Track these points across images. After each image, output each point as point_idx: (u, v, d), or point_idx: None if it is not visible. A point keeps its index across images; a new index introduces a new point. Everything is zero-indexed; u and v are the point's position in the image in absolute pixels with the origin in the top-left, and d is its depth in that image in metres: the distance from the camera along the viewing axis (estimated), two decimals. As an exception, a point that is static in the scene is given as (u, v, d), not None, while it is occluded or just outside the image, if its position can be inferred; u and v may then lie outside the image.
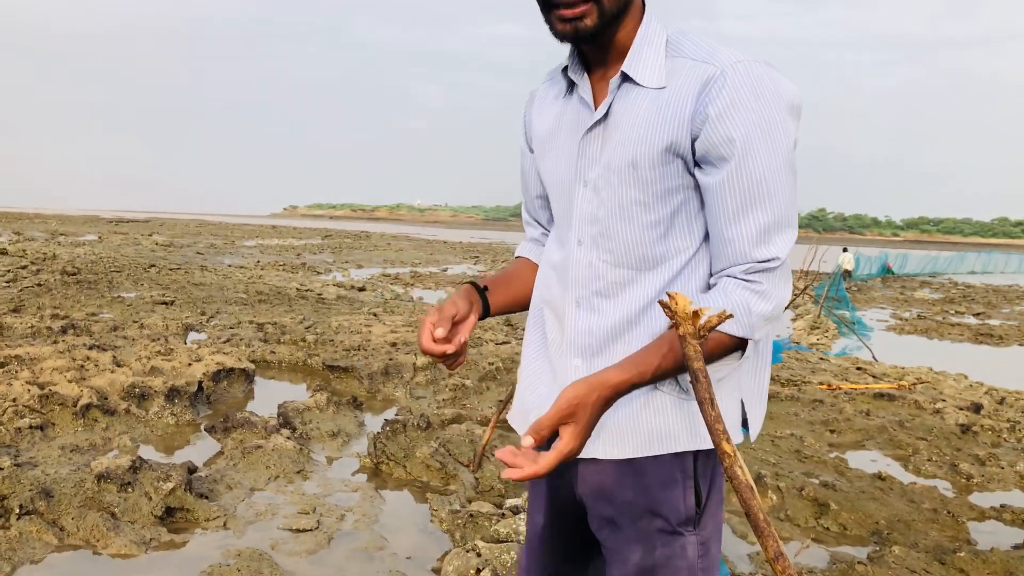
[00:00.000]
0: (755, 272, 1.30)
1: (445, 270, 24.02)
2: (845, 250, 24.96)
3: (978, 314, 17.64)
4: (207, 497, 3.99)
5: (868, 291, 23.45)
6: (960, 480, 5.17)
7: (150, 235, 33.94)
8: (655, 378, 1.26)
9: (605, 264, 1.39)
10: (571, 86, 1.45)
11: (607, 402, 1.22)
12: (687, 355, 1.21)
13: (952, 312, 17.77)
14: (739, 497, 1.20)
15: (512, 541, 3.46)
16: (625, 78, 1.34)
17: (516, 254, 1.74)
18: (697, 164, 1.32)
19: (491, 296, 1.57)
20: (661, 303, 1.15)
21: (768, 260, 1.29)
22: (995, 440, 6.14)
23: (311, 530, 3.77)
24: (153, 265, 17.66)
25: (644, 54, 1.34)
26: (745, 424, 1.43)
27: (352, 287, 15.61)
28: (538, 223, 1.70)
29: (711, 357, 1.29)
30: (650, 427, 1.36)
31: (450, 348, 1.41)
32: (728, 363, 1.34)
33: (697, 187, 1.34)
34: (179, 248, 26.22)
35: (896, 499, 4.52)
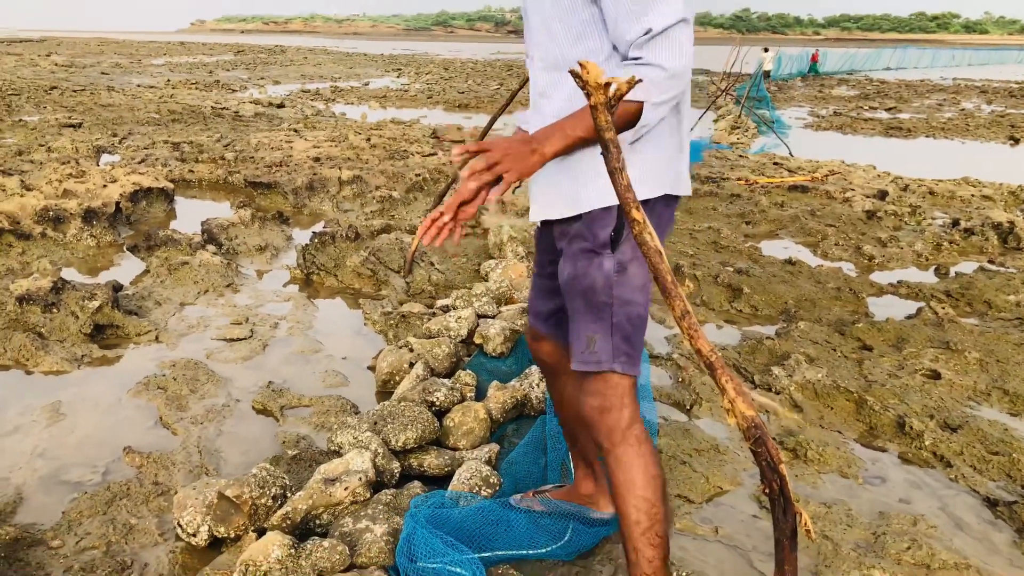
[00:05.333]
0: (637, 49, 1.54)
1: (367, 84, 23.17)
2: (766, 50, 24.81)
3: (890, 109, 18.03)
4: (136, 314, 4.00)
5: (788, 90, 23.61)
6: (863, 261, 5.49)
7: (48, 55, 31.64)
8: (577, 144, 1.60)
9: (542, 71, 1.78)
10: None
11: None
12: (598, 125, 1.23)
13: (866, 108, 18.11)
14: (648, 261, 1.28)
15: (443, 336, 3.60)
16: None
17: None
18: None
19: None
20: (572, 72, 1.17)
21: (644, 33, 1.52)
22: (897, 224, 6.48)
23: (245, 339, 3.84)
24: (55, 87, 16.61)
25: None
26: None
27: (270, 104, 15.01)
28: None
29: (619, 125, 1.54)
30: (572, 195, 1.73)
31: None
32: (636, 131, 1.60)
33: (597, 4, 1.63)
34: (81, 69, 24.57)
35: (804, 281, 4.81)
